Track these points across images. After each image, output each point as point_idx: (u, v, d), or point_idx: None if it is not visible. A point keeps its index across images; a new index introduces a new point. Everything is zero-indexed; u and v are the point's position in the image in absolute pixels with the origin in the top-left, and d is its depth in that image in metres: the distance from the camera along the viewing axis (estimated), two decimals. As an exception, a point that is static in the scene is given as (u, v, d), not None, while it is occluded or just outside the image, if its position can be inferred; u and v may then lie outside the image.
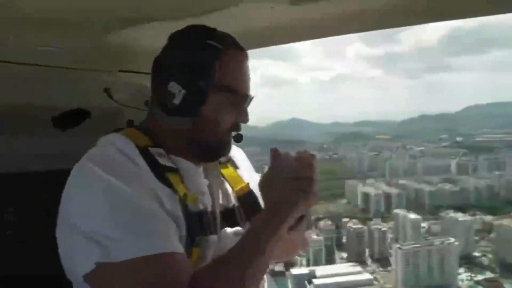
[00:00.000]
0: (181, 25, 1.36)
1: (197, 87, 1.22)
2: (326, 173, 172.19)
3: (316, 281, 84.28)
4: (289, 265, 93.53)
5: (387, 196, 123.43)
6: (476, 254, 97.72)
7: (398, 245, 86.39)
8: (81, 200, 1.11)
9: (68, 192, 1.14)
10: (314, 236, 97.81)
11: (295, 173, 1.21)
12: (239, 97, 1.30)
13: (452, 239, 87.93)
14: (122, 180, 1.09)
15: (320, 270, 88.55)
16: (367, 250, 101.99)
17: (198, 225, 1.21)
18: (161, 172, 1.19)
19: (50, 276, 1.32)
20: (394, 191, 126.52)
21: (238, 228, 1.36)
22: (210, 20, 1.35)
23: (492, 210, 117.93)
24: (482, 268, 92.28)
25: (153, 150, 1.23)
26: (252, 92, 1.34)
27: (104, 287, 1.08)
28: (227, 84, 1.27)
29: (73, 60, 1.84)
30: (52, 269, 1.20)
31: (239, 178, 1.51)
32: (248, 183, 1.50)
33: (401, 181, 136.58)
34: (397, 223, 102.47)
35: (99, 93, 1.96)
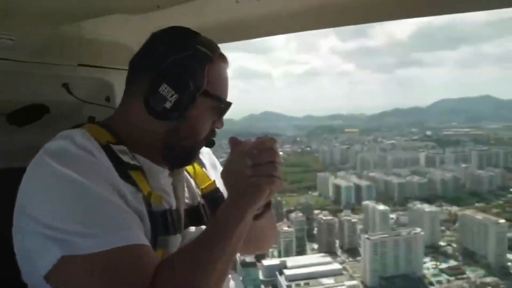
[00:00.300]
0: (144, 18, 1.34)
1: (189, 92, 1.21)
2: (298, 166, 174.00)
3: (287, 272, 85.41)
4: (260, 256, 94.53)
5: (358, 188, 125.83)
6: (441, 243, 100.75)
7: (367, 236, 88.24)
8: (39, 196, 1.06)
9: (24, 188, 1.09)
10: (285, 228, 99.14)
11: (256, 159, 1.16)
12: (223, 105, 1.31)
13: (418, 229, 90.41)
14: (81, 173, 1.05)
15: (291, 261, 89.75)
16: (337, 241, 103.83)
17: (162, 224, 1.18)
18: (123, 169, 1.16)
19: (3, 279, 1.22)
20: (364, 183, 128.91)
21: (202, 227, 1.35)
22: (175, 14, 1.33)
23: (458, 201, 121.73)
24: (446, 257, 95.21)
25: (116, 147, 1.20)
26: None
27: (68, 284, 1.03)
28: (213, 91, 1.27)
29: (29, 52, 1.73)
30: (6, 272, 1.12)
31: (205, 176, 1.50)
32: (214, 181, 1.48)
33: (372, 174, 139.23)
34: (366, 215, 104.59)
35: (58, 88, 1.88)
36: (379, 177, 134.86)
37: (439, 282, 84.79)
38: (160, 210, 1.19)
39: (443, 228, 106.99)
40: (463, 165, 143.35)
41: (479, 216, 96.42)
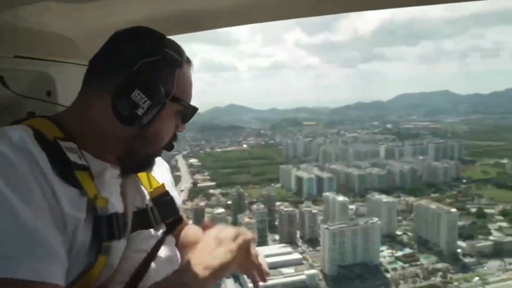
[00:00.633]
0: (87, 8, 1.24)
1: (161, 98, 1.18)
2: (261, 159, 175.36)
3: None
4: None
5: (319, 180, 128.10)
6: (398, 232, 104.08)
7: (326, 226, 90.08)
8: None
9: None
10: (247, 219, 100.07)
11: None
12: (189, 110, 1.30)
13: (375, 219, 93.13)
14: (7, 186, 0.95)
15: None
16: (298, 232, 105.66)
17: (106, 229, 1.13)
18: (68, 170, 1.09)
19: None
20: (325, 175, 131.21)
21: (150, 231, 1.32)
22: (119, 4, 1.26)
23: (415, 192, 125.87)
24: (402, 245, 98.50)
25: (64, 144, 1.12)
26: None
27: None
28: (181, 96, 1.26)
29: None
30: None
31: (154, 179, 1.47)
32: (163, 184, 1.46)
33: (333, 166, 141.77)
34: (326, 206, 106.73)
35: None
36: (340, 169, 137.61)
37: (394, 269, 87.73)
38: (106, 214, 1.14)
39: (400, 218, 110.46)
40: (421, 157, 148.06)
41: (433, 205, 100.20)
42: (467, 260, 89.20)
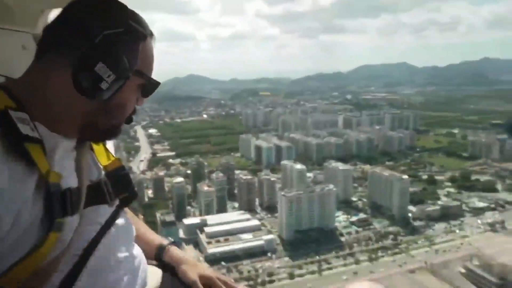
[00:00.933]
0: None
1: (125, 72, 1.13)
2: (222, 129, 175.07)
3: (207, 229, 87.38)
4: (181, 215, 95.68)
5: (278, 149, 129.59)
6: (353, 199, 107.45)
7: (283, 193, 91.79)
8: None
9: None
10: (206, 188, 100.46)
11: None
12: (151, 84, 1.27)
13: (331, 186, 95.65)
14: None
15: (211, 219, 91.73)
16: (257, 199, 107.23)
17: (58, 205, 1.08)
18: (18, 142, 1.02)
19: None
20: (284, 144, 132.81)
21: (104, 205, 1.29)
22: None
23: (370, 160, 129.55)
24: (357, 210, 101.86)
25: (15, 114, 1.05)
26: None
27: None
28: (145, 70, 1.23)
29: None
30: None
31: (109, 153, 1.44)
32: (119, 158, 1.42)
33: (292, 135, 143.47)
34: (284, 174, 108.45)
35: None
36: (299, 138, 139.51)
37: (349, 233, 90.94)
38: (59, 190, 1.09)
39: (356, 185, 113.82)
40: (377, 127, 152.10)
41: (386, 173, 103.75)
42: (416, 223, 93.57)
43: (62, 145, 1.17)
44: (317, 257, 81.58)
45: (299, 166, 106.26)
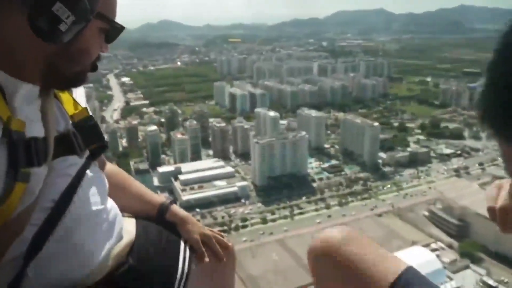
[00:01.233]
0: None
1: (85, 14, 1.05)
2: (196, 76, 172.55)
3: (181, 177, 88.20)
4: (155, 164, 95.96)
5: (252, 96, 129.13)
6: (326, 145, 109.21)
7: (256, 140, 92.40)
8: None
9: None
10: (180, 136, 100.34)
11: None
12: (114, 28, 1.21)
13: (303, 133, 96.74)
14: None
15: (185, 166, 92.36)
16: (231, 147, 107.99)
17: (23, 155, 1.04)
18: None
19: None
20: (259, 91, 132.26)
21: (74, 157, 1.25)
22: None
23: (344, 108, 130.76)
24: (329, 157, 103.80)
25: None
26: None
27: None
28: (107, 13, 1.17)
29: None
30: None
31: (76, 103, 1.37)
32: (86, 107, 1.37)
33: (266, 82, 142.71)
34: (258, 121, 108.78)
35: None
36: (274, 86, 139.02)
37: (321, 179, 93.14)
38: (22, 139, 1.04)
39: (329, 132, 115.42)
40: (352, 75, 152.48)
41: (358, 120, 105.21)
42: (386, 169, 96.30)
43: (23, 91, 1.11)
44: (289, 203, 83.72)
45: (272, 113, 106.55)
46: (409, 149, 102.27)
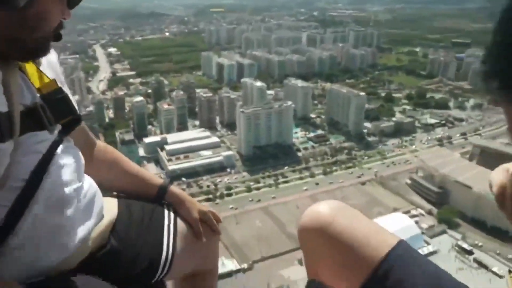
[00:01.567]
0: None
1: None
2: (184, 46, 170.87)
3: (167, 147, 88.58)
4: (142, 134, 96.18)
5: (240, 67, 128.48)
6: (312, 115, 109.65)
7: (241, 109, 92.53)
8: None
9: None
10: (166, 106, 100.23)
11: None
12: None
13: (289, 102, 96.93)
14: None
15: (171, 137, 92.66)
16: (217, 117, 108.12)
17: None
18: None
19: None
20: (246, 61, 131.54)
21: (44, 132, 1.14)
22: None
23: (332, 78, 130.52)
24: (315, 127, 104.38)
25: None
26: None
27: None
28: None
29: None
30: None
31: (43, 74, 1.24)
32: (54, 80, 1.25)
33: (254, 52, 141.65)
34: (245, 91, 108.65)
35: None
36: (262, 56, 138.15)
37: (306, 148, 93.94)
38: None
39: (316, 102, 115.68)
40: (340, 45, 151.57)
41: (344, 89, 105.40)
42: (370, 139, 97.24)
43: None
44: (274, 172, 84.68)
45: (259, 83, 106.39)
46: (394, 119, 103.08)
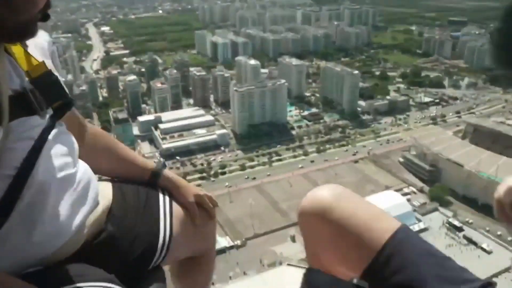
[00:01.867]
0: None
1: None
2: (178, 25, 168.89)
3: (162, 126, 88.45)
4: (136, 113, 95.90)
5: (234, 45, 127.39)
6: (307, 94, 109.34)
7: (235, 88, 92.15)
8: None
9: None
10: (159, 85, 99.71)
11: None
12: None
13: (283, 81, 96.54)
14: None
15: (166, 115, 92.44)
16: (212, 96, 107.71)
17: None
18: None
19: None
20: (241, 40, 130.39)
21: (35, 117, 1.11)
22: None
23: (326, 56, 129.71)
24: (310, 105, 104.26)
25: None
26: None
27: None
28: None
29: None
30: None
31: (31, 57, 1.19)
32: (43, 62, 1.19)
33: (249, 31, 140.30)
34: (239, 69, 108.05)
35: None
36: (256, 34, 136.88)
37: (300, 127, 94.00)
38: None
39: (310, 80, 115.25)
40: (336, 23, 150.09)
41: (338, 68, 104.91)
42: (364, 117, 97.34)
43: None
44: (268, 150, 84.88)
45: (253, 61, 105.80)
46: (388, 97, 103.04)
